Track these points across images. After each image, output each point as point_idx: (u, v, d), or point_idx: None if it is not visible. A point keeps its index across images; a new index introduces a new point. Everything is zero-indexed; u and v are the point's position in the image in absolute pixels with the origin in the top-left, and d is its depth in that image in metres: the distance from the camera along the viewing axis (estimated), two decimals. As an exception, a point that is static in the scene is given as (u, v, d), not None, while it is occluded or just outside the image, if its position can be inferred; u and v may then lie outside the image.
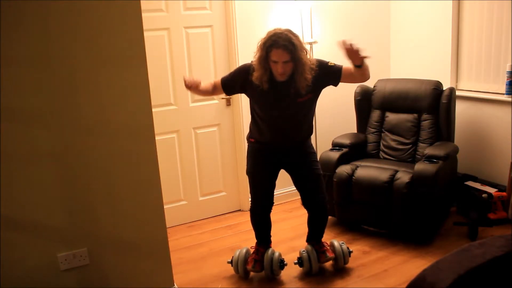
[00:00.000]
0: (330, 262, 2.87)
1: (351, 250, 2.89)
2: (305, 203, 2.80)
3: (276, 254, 2.79)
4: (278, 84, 2.48)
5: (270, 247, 2.85)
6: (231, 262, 2.87)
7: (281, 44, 2.33)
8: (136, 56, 2.22)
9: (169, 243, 2.51)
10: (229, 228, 3.62)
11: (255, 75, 2.46)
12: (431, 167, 3.03)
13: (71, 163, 2.19)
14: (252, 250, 2.86)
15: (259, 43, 2.41)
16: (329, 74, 2.57)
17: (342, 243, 2.87)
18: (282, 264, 2.78)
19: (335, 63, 2.58)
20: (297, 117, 2.61)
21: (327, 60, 2.59)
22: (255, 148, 2.74)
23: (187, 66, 3.52)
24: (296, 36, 2.41)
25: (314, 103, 2.65)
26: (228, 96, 3.69)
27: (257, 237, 2.87)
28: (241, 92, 2.71)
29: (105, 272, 2.35)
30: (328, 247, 2.86)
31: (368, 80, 3.96)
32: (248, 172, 2.80)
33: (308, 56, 2.48)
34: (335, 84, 2.62)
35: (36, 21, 2.01)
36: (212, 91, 2.69)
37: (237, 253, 2.83)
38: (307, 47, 3.80)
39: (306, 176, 2.74)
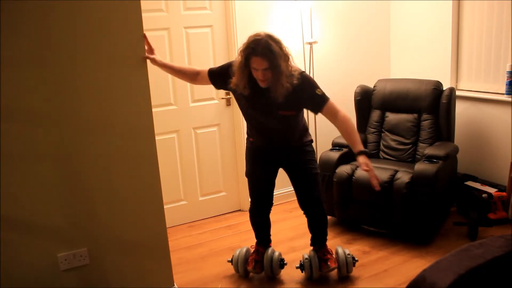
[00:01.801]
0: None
1: (356, 259, 2.80)
2: (300, 202, 2.76)
3: (276, 253, 2.78)
4: (260, 90, 2.41)
5: (270, 246, 2.85)
6: (231, 261, 2.87)
7: (259, 52, 2.25)
8: (136, 56, 2.22)
9: (169, 243, 2.51)
10: (229, 228, 3.62)
11: (233, 81, 2.40)
12: (431, 167, 3.03)
13: (71, 163, 2.19)
14: (252, 250, 2.86)
15: (239, 49, 2.36)
16: (312, 101, 2.48)
17: (348, 254, 2.76)
18: (282, 263, 2.78)
19: (324, 92, 2.48)
20: (281, 128, 2.55)
21: (316, 86, 2.47)
22: (253, 148, 2.72)
23: (187, 66, 3.52)
24: (277, 42, 2.31)
25: (299, 118, 2.59)
26: (227, 96, 3.70)
27: (256, 237, 2.87)
28: (229, 88, 2.60)
29: (105, 272, 2.35)
30: (332, 256, 2.79)
31: (368, 80, 3.99)
32: (246, 174, 2.79)
33: (292, 63, 2.39)
34: (314, 113, 2.58)
35: (36, 21, 2.01)
36: (189, 76, 2.59)
37: (237, 252, 2.83)
38: (307, 47, 3.82)
39: (301, 175, 2.69)
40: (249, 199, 2.85)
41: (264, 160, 2.71)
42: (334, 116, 2.49)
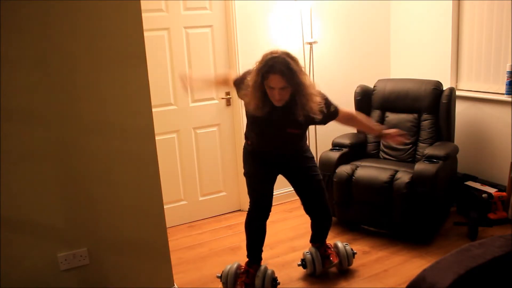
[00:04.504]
0: (333, 262, 2.85)
1: (355, 251, 2.87)
2: (307, 209, 2.75)
3: (269, 272, 2.63)
4: (275, 108, 2.36)
5: (261, 265, 2.68)
6: (220, 277, 2.69)
7: (277, 69, 2.18)
8: (136, 56, 2.22)
9: (169, 243, 2.51)
10: (229, 228, 3.62)
11: (249, 102, 2.34)
12: (431, 167, 3.03)
13: (71, 163, 2.19)
14: (242, 269, 2.67)
15: (255, 68, 2.28)
16: (327, 117, 2.49)
17: (346, 244, 2.86)
18: (275, 283, 2.63)
19: (334, 104, 2.50)
20: (287, 142, 2.53)
21: (330, 102, 2.47)
22: (251, 151, 2.66)
23: (187, 66, 3.52)
24: (295, 60, 2.26)
25: (303, 134, 2.57)
26: (227, 96, 3.70)
27: (248, 249, 2.69)
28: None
29: (105, 272, 2.35)
30: (332, 251, 2.82)
31: (368, 80, 3.98)
32: (245, 173, 2.69)
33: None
34: (323, 124, 2.55)
35: (36, 21, 2.01)
36: (222, 83, 2.59)
37: (227, 268, 2.67)
38: (307, 47, 3.82)
39: (306, 183, 2.67)
40: (249, 202, 2.72)
41: (264, 162, 2.65)
42: (350, 118, 2.57)
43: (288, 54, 2.26)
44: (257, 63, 2.28)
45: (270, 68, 2.20)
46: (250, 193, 2.70)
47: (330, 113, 2.47)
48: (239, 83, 2.54)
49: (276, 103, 2.31)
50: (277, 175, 2.72)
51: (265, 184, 2.66)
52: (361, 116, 2.68)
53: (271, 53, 2.25)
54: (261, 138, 2.56)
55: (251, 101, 2.33)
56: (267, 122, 2.44)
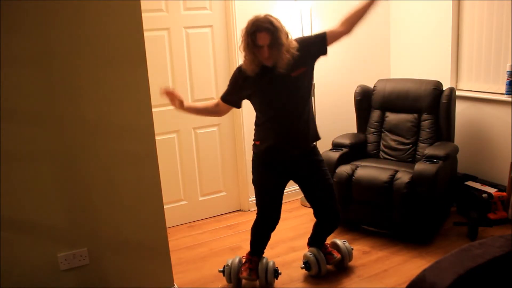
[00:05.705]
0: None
1: (352, 247, 2.92)
2: (318, 214, 2.72)
3: (271, 263, 2.72)
4: (269, 68, 2.45)
5: (263, 257, 2.77)
6: (223, 271, 2.76)
7: (263, 27, 2.33)
8: (136, 56, 2.22)
9: (169, 243, 2.51)
10: (229, 228, 3.62)
11: (245, 62, 2.44)
12: (431, 167, 3.03)
13: (71, 163, 2.19)
14: (244, 260, 2.76)
15: (243, 32, 2.40)
16: (314, 44, 2.56)
17: (344, 241, 2.88)
18: (276, 273, 2.72)
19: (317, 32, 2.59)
20: (296, 97, 2.51)
21: (311, 35, 2.57)
22: (261, 157, 2.60)
23: (187, 66, 3.52)
24: (277, 19, 2.41)
25: (309, 78, 2.59)
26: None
27: (252, 247, 2.76)
28: (245, 95, 2.59)
29: (105, 272, 2.35)
30: (331, 248, 2.85)
31: (368, 80, 3.97)
32: (254, 182, 2.64)
33: (290, 37, 2.48)
34: (324, 53, 2.60)
35: (36, 21, 2.01)
36: (213, 110, 2.64)
37: (229, 262, 2.74)
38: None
39: (318, 186, 2.63)
40: (256, 209, 2.71)
41: (275, 169, 2.59)
42: (339, 30, 2.64)
43: (270, 15, 2.42)
44: (244, 29, 2.40)
45: (257, 27, 2.34)
46: (258, 204, 2.68)
47: (318, 38, 2.59)
48: (228, 91, 2.62)
49: (266, 61, 2.42)
50: (287, 182, 2.67)
51: (274, 195, 2.63)
52: (351, 13, 2.74)
53: (255, 16, 2.41)
54: (278, 115, 2.51)
55: (249, 61, 2.44)
56: (272, 84, 2.48)
